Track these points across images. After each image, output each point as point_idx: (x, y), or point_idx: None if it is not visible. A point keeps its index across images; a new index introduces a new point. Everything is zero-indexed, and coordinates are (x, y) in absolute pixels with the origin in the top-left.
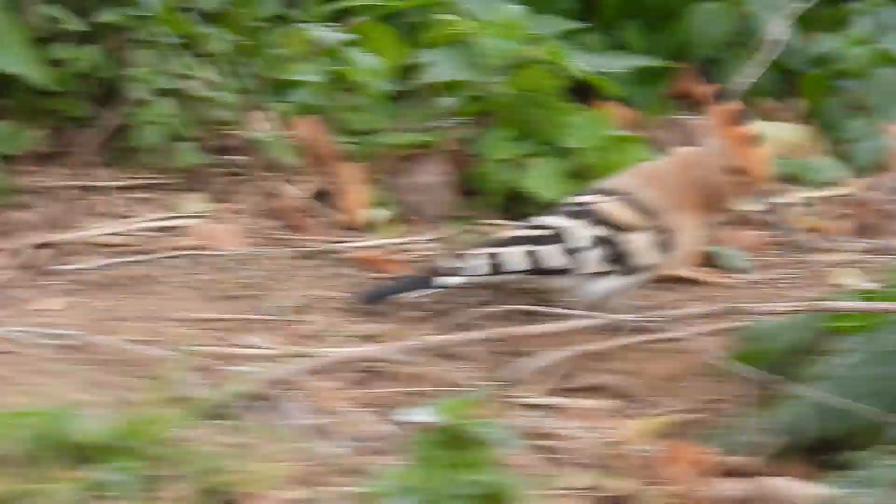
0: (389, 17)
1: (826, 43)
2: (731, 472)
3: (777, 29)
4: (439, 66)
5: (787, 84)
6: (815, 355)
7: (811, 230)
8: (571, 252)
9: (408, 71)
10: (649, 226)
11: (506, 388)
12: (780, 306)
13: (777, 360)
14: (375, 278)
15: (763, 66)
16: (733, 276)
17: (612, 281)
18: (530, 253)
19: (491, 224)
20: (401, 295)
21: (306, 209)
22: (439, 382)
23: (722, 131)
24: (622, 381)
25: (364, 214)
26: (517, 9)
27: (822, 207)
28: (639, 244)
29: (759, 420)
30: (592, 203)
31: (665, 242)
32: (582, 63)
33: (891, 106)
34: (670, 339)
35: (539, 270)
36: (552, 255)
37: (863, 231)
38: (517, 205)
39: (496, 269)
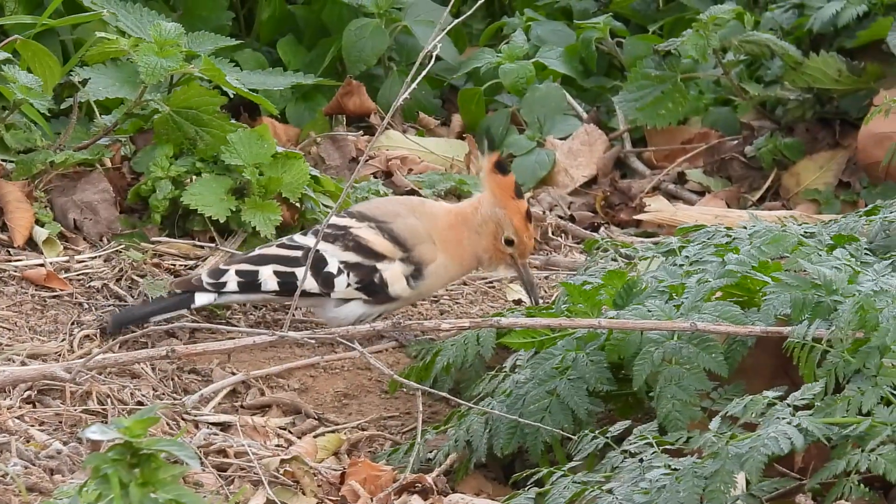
0: (43, 35)
1: (483, 58)
2: (406, 489)
3: (433, 44)
4: (96, 84)
5: (445, 99)
6: (486, 371)
7: None
8: (322, 276)
9: (65, 89)
10: (402, 256)
11: (181, 405)
12: (445, 323)
13: (447, 376)
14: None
15: (420, 82)
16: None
17: (360, 307)
18: (282, 274)
19: (158, 241)
20: (160, 316)
21: None
22: (114, 400)
23: (502, 202)
24: (294, 398)
25: (26, 233)
26: (173, 26)
27: None
28: (392, 273)
29: (431, 437)
30: (348, 227)
31: (415, 274)
32: (237, 81)
33: (547, 120)
34: (342, 358)
35: (289, 291)
36: (304, 278)
37: None
38: (182, 221)
39: (248, 287)
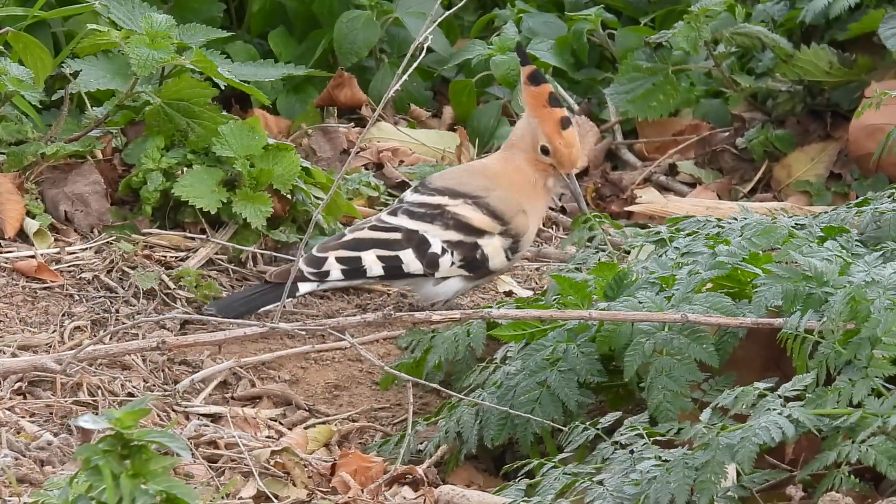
0: (35, 27)
1: (474, 50)
2: (397, 480)
3: (425, 36)
4: (87, 76)
5: (437, 91)
6: (477, 363)
7: None
8: (427, 257)
9: (56, 81)
10: (500, 230)
11: (172, 396)
12: (436, 315)
13: (438, 369)
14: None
15: (411, 74)
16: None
17: (459, 283)
18: (386, 258)
19: (149, 233)
20: (265, 308)
21: None
22: (105, 391)
23: (535, 111)
24: (285, 389)
25: (17, 224)
26: (164, 18)
27: None
28: (493, 248)
29: (422, 428)
30: (444, 205)
31: (513, 246)
32: (229, 72)
33: None
34: (332, 348)
35: (395, 275)
36: (410, 262)
37: None
38: (173, 213)
39: (353, 274)
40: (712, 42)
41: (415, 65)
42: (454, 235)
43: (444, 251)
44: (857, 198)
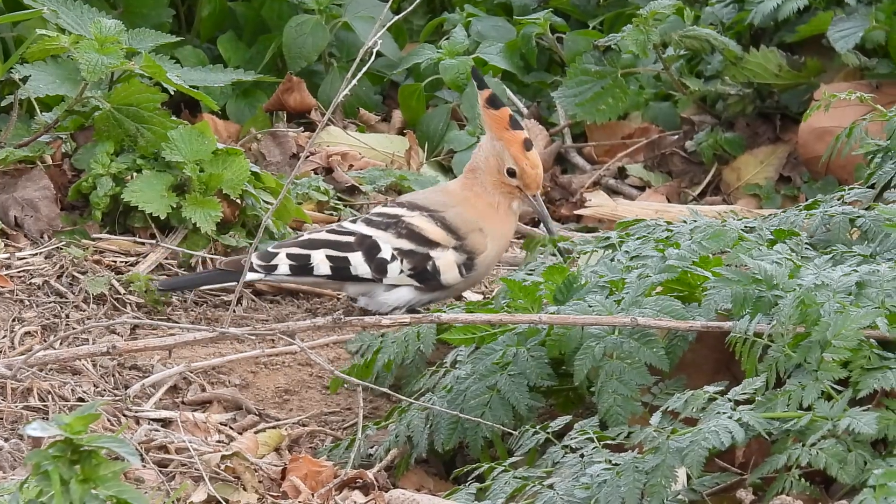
0: None
1: (423, 54)
2: (347, 484)
3: (374, 40)
4: (37, 81)
5: (386, 95)
6: (427, 367)
7: None
8: (375, 262)
9: (5, 86)
10: (455, 244)
11: (121, 401)
12: (386, 319)
13: (388, 372)
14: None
15: (360, 78)
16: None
17: (410, 293)
18: (335, 258)
19: (99, 238)
20: (206, 286)
21: None
22: (55, 396)
23: (498, 134)
24: (236, 394)
25: None
26: (113, 23)
27: None
28: (445, 261)
29: (372, 432)
30: (401, 216)
31: (468, 263)
32: (178, 77)
33: None
34: (282, 352)
35: (341, 276)
36: (358, 264)
37: None
38: (123, 218)
39: (300, 271)
40: (661, 45)
41: (364, 69)
42: (406, 244)
43: (393, 258)
44: (807, 200)
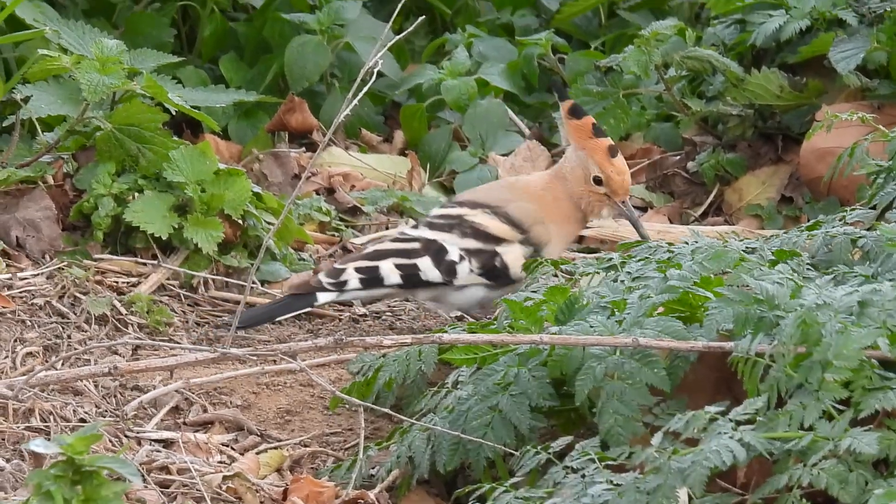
0: None
1: (425, 74)
2: None
3: (375, 60)
4: (38, 101)
5: (388, 116)
6: (428, 387)
7: None
8: (445, 264)
9: (7, 106)
10: (520, 238)
11: (122, 421)
12: (387, 339)
13: (389, 393)
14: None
15: (362, 98)
16: (356, 308)
17: (481, 291)
18: (404, 266)
19: (101, 259)
20: (284, 315)
21: None
22: (57, 417)
23: (581, 143)
24: (237, 414)
25: None
26: (115, 43)
27: None
28: (513, 256)
29: (373, 453)
30: (463, 215)
31: (534, 256)
32: (179, 98)
33: (489, 136)
34: (282, 370)
35: (412, 283)
36: (427, 269)
37: None
38: (125, 238)
39: (371, 283)
40: (663, 66)
41: (365, 89)
42: (472, 243)
43: (461, 258)
44: (809, 221)
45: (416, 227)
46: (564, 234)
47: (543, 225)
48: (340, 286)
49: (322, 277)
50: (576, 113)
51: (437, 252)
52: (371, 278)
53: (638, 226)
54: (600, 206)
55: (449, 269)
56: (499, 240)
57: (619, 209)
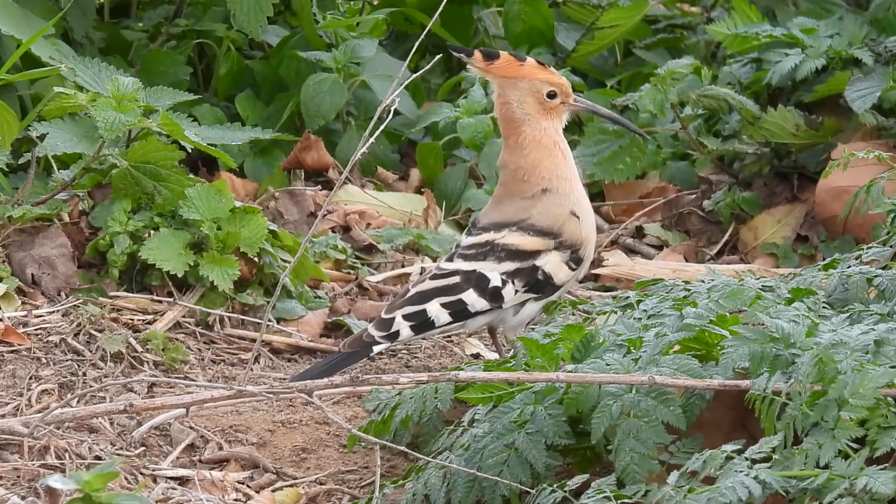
0: (1, 90)
1: (441, 112)
2: None
3: (391, 98)
4: (54, 139)
5: (404, 154)
6: (445, 425)
7: None
8: (489, 292)
9: (23, 144)
10: (554, 244)
11: (138, 459)
12: (404, 377)
13: (405, 431)
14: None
15: (378, 136)
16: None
17: (535, 305)
18: (450, 304)
19: (117, 296)
20: (345, 370)
21: None
22: (72, 455)
23: (516, 75)
24: (253, 452)
25: None
26: (131, 81)
27: None
28: (552, 265)
29: (389, 491)
30: (492, 241)
31: (574, 257)
32: (195, 135)
33: None
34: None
35: (462, 318)
36: (473, 301)
37: None
38: (140, 275)
39: (422, 328)
40: (679, 104)
41: (382, 127)
42: (510, 265)
43: (504, 283)
44: (824, 260)
45: (450, 259)
46: (582, 199)
47: (573, 218)
48: (393, 337)
49: (372, 331)
50: (490, 56)
51: (478, 281)
52: (421, 323)
53: (597, 109)
54: (559, 117)
55: (494, 295)
56: (534, 253)
57: (575, 108)
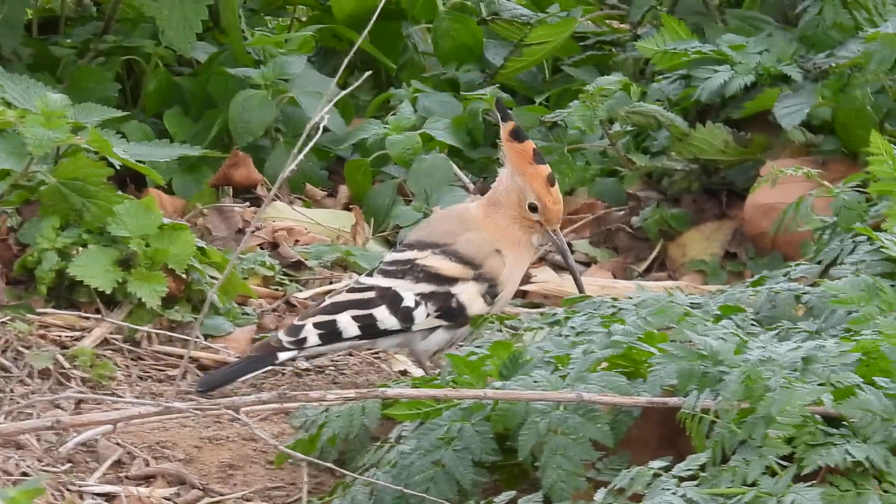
0: None
1: (370, 129)
2: None
3: (320, 115)
4: None
5: (332, 170)
6: (372, 442)
7: None
8: (401, 312)
9: None
10: (473, 275)
11: (64, 475)
12: (331, 394)
13: (332, 447)
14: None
15: (306, 153)
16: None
17: (444, 334)
18: (361, 317)
19: (44, 313)
20: (245, 376)
21: None
22: None
23: (520, 168)
24: (180, 468)
25: None
26: (59, 97)
27: None
28: (468, 295)
29: None
30: (413, 259)
31: (491, 291)
32: (124, 152)
33: (434, 191)
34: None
35: (371, 334)
36: (384, 318)
37: None
38: (69, 292)
39: (330, 338)
40: (607, 121)
41: (310, 144)
42: (425, 287)
43: (417, 304)
44: (753, 277)
45: (370, 274)
46: (520, 260)
47: (497, 256)
48: (300, 343)
49: (281, 336)
50: (517, 136)
51: (392, 300)
52: (330, 332)
53: (566, 255)
54: (531, 232)
55: (405, 316)
56: (452, 280)
57: (549, 237)
